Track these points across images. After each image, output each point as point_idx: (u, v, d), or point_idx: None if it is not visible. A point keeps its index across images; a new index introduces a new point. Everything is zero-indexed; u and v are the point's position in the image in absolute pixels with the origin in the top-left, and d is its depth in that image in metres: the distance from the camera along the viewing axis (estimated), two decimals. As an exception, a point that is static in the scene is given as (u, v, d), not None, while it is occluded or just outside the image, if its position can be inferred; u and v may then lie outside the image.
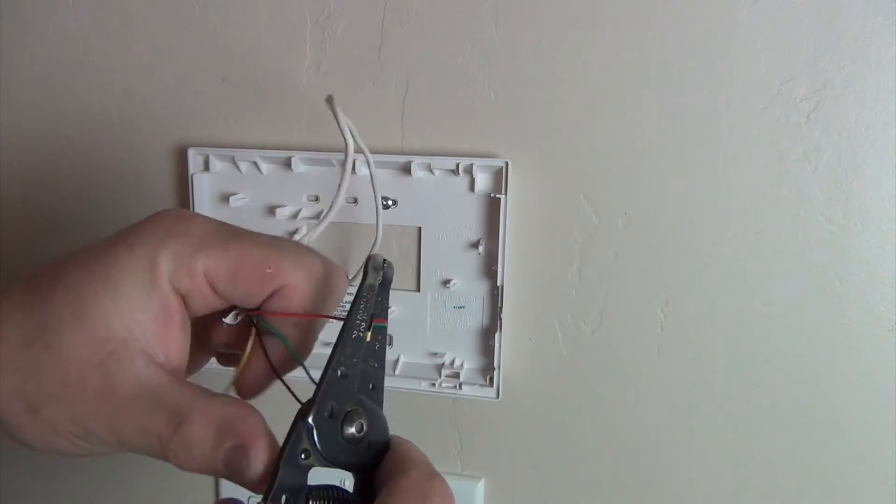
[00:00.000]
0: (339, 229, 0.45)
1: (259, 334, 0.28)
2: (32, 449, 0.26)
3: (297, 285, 0.28)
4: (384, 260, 0.30)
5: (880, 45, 0.37)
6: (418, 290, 0.45)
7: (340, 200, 0.37)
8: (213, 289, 0.27)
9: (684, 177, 0.41)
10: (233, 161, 0.45)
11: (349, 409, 0.27)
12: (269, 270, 0.27)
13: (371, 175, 0.40)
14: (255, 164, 0.44)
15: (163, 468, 0.53)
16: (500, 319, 0.43)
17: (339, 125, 0.36)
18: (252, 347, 0.29)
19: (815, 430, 0.42)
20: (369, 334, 0.29)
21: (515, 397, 0.45)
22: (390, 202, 0.44)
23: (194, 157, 0.45)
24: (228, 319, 0.29)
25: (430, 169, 0.43)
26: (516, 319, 0.44)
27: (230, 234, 0.28)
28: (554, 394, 0.45)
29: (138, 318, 0.25)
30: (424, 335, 0.45)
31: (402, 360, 0.46)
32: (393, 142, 0.43)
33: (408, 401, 0.47)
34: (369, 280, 0.29)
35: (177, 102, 0.46)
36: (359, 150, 0.38)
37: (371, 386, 0.29)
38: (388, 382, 0.45)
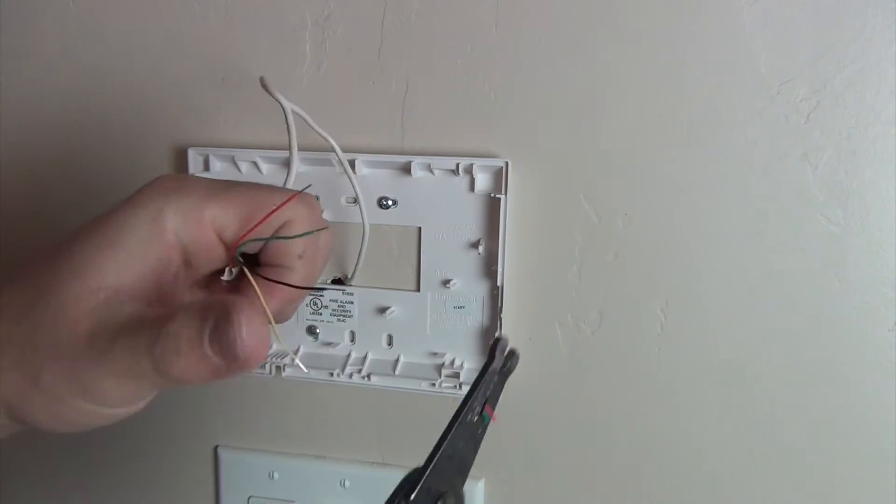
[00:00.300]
0: (338, 229, 0.45)
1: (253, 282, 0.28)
2: (42, 429, 0.25)
3: (300, 218, 0.28)
4: (513, 350, 0.29)
5: (880, 45, 0.37)
6: (418, 290, 0.45)
7: (295, 161, 0.40)
8: (221, 238, 0.27)
9: (684, 177, 0.41)
10: (233, 161, 0.45)
11: (444, 490, 0.27)
12: (274, 206, 0.27)
13: (347, 168, 0.40)
14: (255, 164, 0.44)
15: (162, 468, 0.53)
16: (500, 319, 0.43)
17: (279, 102, 0.38)
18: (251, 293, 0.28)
19: (815, 429, 0.42)
20: (478, 418, 0.28)
21: (515, 398, 0.45)
22: (390, 202, 0.44)
23: (194, 157, 0.45)
24: (225, 276, 0.29)
25: (430, 169, 0.43)
26: (516, 319, 0.44)
27: (229, 184, 0.28)
28: (554, 394, 0.45)
29: (135, 268, 0.25)
30: (424, 335, 0.45)
31: (402, 360, 0.46)
32: (393, 142, 0.43)
33: (408, 401, 0.47)
34: (494, 364, 0.29)
35: (177, 102, 0.45)
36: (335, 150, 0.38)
37: (463, 469, 0.28)
38: (388, 382, 0.45)
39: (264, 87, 0.38)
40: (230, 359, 0.23)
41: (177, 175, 0.28)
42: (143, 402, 0.26)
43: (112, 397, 0.25)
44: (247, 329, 0.23)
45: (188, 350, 0.23)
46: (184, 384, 0.24)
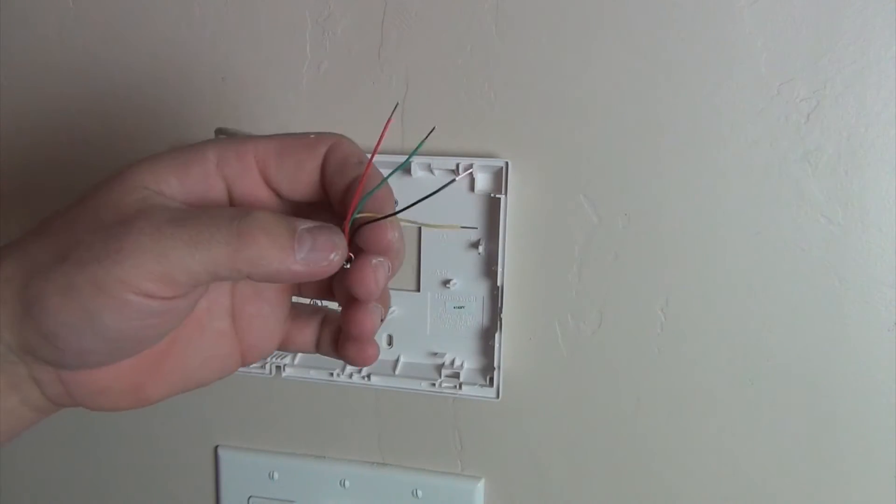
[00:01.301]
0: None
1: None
2: (82, 362, 0.24)
3: (341, 142, 0.27)
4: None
5: (880, 45, 0.37)
6: (418, 290, 0.45)
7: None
8: (264, 173, 0.26)
9: (684, 177, 0.41)
10: (233, 161, 0.44)
11: None
12: (313, 136, 0.27)
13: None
14: (255, 164, 0.44)
15: (162, 468, 0.53)
16: (500, 319, 0.43)
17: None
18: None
19: (815, 430, 0.42)
20: None
21: (515, 397, 0.45)
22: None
23: (194, 157, 0.45)
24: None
25: (430, 169, 0.43)
26: (516, 319, 0.44)
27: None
28: (554, 394, 0.45)
29: (173, 183, 0.24)
30: (424, 335, 0.45)
31: (402, 360, 0.46)
32: (393, 142, 0.43)
33: (408, 401, 0.47)
34: None
35: (177, 102, 0.45)
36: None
37: None
38: (388, 382, 0.45)
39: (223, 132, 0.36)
40: (314, 259, 0.23)
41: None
42: (181, 299, 0.23)
43: (161, 272, 0.22)
44: (341, 238, 0.24)
45: (277, 232, 0.23)
46: (251, 272, 0.23)
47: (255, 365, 0.47)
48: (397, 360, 0.46)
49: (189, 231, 0.22)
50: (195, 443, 0.51)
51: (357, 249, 0.26)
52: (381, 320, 0.28)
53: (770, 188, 0.40)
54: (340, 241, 0.25)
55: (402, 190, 0.43)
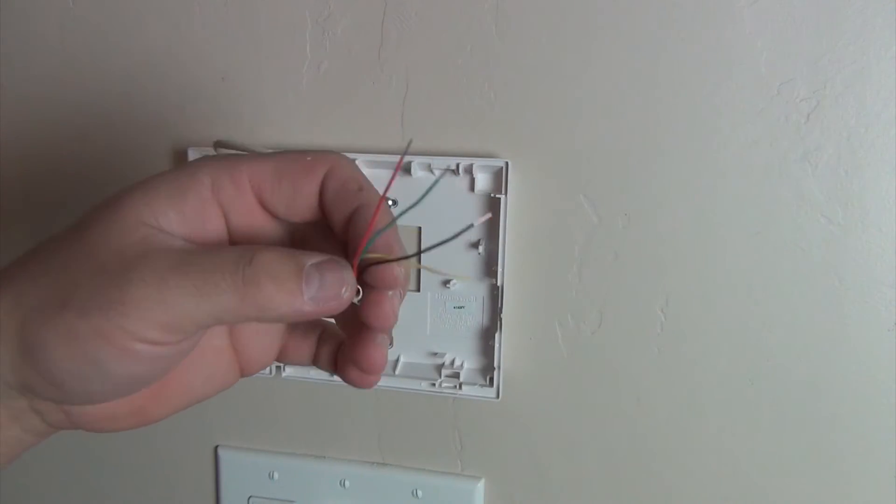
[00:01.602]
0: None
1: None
2: (87, 400, 0.23)
3: (339, 165, 0.26)
4: None
5: (880, 45, 0.37)
6: (418, 290, 0.45)
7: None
8: (260, 196, 0.25)
9: (684, 177, 0.41)
10: (233, 161, 0.44)
11: None
12: (309, 158, 0.26)
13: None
14: (255, 164, 0.44)
15: (162, 468, 0.53)
16: (500, 319, 0.43)
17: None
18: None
19: (815, 430, 0.42)
20: None
21: (515, 397, 0.45)
22: (390, 202, 0.44)
23: (194, 157, 0.45)
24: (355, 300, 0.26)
25: (430, 169, 0.43)
26: (516, 319, 0.44)
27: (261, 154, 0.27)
28: (554, 394, 0.45)
29: (171, 216, 0.23)
30: (424, 335, 0.45)
31: (402, 360, 0.46)
32: (393, 142, 0.43)
33: (408, 401, 0.47)
34: None
35: (177, 102, 0.46)
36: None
37: None
38: (388, 382, 0.45)
39: None
40: (323, 297, 0.23)
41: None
42: (186, 340, 0.23)
43: (167, 321, 0.22)
44: (349, 273, 0.24)
45: (284, 276, 0.22)
46: (259, 317, 0.23)
47: (255, 365, 0.47)
48: (397, 360, 0.46)
49: (193, 280, 0.22)
50: (195, 443, 0.51)
51: (363, 281, 0.26)
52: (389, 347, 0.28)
53: (770, 188, 0.40)
54: (349, 277, 0.24)
55: (402, 190, 0.43)
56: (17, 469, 0.54)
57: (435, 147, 0.43)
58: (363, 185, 0.26)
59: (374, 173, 0.43)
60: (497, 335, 0.43)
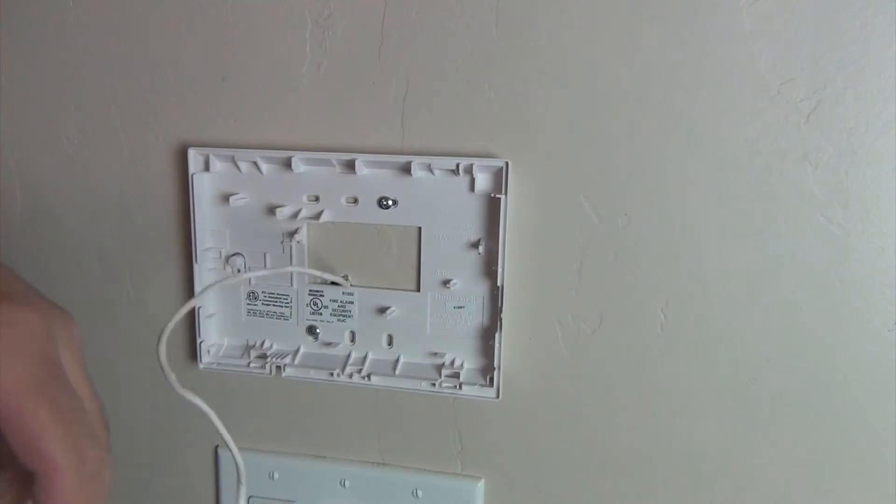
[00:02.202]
0: (340, 229, 0.45)
1: None
2: None
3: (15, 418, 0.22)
4: None
5: (880, 45, 0.37)
6: (418, 290, 0.45)
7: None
8: None
9: (684, 177, 0.41)
10: (233, 161, 0.45)
11: None
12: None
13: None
14: (255, 164, 0.44)
15: (162, 468, 0.53)
16: (500, 319, 0.43)
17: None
18: None
19: (815, 430, 0.42)
20: None
21: (515, 397, 0.45)
22: (390, 202, 0.44)
23: (194, 157, 0.45)
24: None
25: (430, 169, 0.43)
26: (516, 319, 0.44)
27: None
28: (554, 394, 0.45)
29: None
30: (424, 335, 0.45)
31: (402, 360, 0.46)
32: (393, 142, 0.43)
33: (408, 401, 0.47)
34: None
35: (177, 102, 0.46)
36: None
37: None
38: (388, 382, 0.45)
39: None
40: None
41: None
42: None
43: None
44: None
45: None
46: None
47: (255, 365, 0.47)
48: (397, 360, 0.46)
49: None
50: (195, 443, 0.51)
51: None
52: None
53: (770, 188, 0.40)
54: None
55: (402, 190, 0.43)
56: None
57: (435, 147, 0.43)
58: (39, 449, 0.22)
59: (374, 173, 0.44)
60: (497, 335, 0.43)
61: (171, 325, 0.36)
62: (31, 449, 0.22)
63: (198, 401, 0.31)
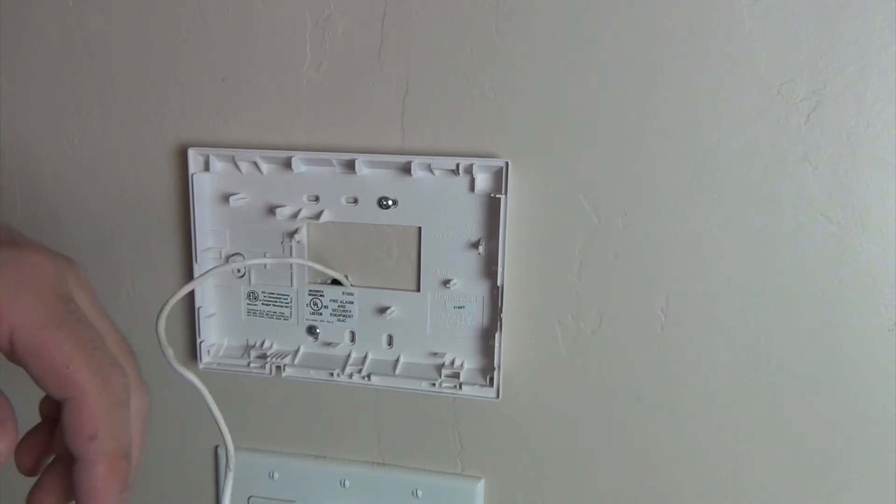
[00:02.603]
0: (340, 229, 0.45)
1: None
2: None
3: (28, 328, 0.23)
4: None
5: (880, 45, 0.37)
6: (418, 290, 0.45)
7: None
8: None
9: (684, 177, 0.41)
10: (233, 161, 0.45)
11: None
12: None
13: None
14: (255, 164, 0.44)
15: (162, 468, 0.53)
16: (500, 319, 0.43)
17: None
18: None
19: (816, 430, 0.42)
20: None
21: (515, 397, 0.45)
22: (390, 202, 0.44)
23: (194, 157, 0.45)
24: None
25: (430, 169, 0.43)
26: (516, 319, 0.44)
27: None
28: (554, 394, 0.45)
29: None
30: (424, 335, 0.45)
31: (402, 360, 0.46)
32: (393, 142, 0.43)
33: (408, 401, 0.47)
34: None
35: (177, 102, 0.46)
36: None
37: None
38: (388, 382, 0.45)
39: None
40: None
41: None
42: None
43: None
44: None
45: None
46: None
47: (254, 365, 0.47)
48: (397, 360, 0.46)
49: None
50: (195, 443, 0.51)
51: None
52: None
53: (770, 188, 0.40)
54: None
55: (402, 190, 0.43)
56: (16, 469, 0.54)
57: (435, 147, 0.43)
58: (71, 378, 0.23)
59: (374, 173, 0.43)
60: (497, 335, 0.43)
61: (172, 301, 0.36)
62: (58, 378, 0.23)
63: (190, 376, 0.32)
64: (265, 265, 0.46)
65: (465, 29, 0.41)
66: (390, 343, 0.46)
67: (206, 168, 0.45)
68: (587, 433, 0.45)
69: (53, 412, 0.27)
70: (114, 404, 0.24)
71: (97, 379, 0.24)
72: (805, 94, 0.38)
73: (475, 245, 0.43)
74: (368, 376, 0.45)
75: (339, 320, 0.46)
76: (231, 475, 0.34)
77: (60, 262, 0.26)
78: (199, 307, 0.46)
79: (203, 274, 0.42)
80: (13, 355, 0.23)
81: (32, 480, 0.29)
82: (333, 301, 0.46)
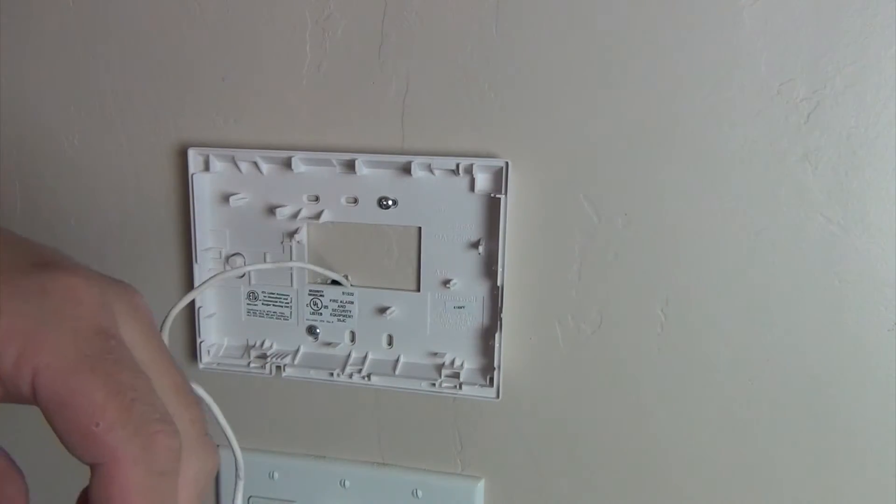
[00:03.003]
0: (340, 229, 0.45)
1: None
2: None
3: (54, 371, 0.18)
4: None
5: (880, 45, 0.37)
6: (418, 290, 0.45)
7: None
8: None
9: (684, 177, 0.41)
10: (233, 161, 0.45)
11: None
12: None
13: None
14: (255, 164, 0.44)
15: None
16: (500, 319, 0.43)
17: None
18: None
19: (816, 429, 0.42)
20: None
21: (515, 397, 0.45)
22: (390, 202, 0.44)
23: (194, 157, 0.45)
24: None
25: (430, 169, 0.43)
26: (516, 319, 0.44)
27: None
28: (554, 394, 0.45)
29: None
30: (424, 335, 0.45)
31: (402, 360, 0.46)
32: (393, 142, 0.43)
33: (408, 401, 0.47)
34: None
35: (177, 102, 0.46)
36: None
37: None
38: (388, 382, 0.45)
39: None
40: None
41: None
42: None
43: None
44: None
45: None
46: None
47: (255, 365, 0.47)
48: (397, 360, 0.46)
49: None
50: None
51: None
52: None
53: (770, 188, 0.40)
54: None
55: (402, 190, 0.43)
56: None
57: (435, 147, 0.43)
58: (109, 423, 0.18)
59: (374, 173, 0.44)
60: (497, 335, 0.43)
61: (174, 312, 0.36)
62: (85, 439, 0.18)
63: (198, 389, 0.30)
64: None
65: (465, 29, 0.41)
66: (390, 343, 0.46)
67: (206, 168, 0.45)
68: (587, 433, 0.45)
69: None
70: (155, 475, 0.19)
71: (136, 441, 0.18)
72: (805, 94, 0.38)
73: (475, 245, 0.43)
74: (368, 376, 0.45)
75: (339, 320, 0.46)
76: (241, 484, 0.33)
77: (107, 288, 0.21)
78: (199, 307, 0.46)
79: (204, 282, 0.42)
80: (38, 403, 0.19)
81: (32, 479, 0.28)
82: (333, 301, 0.46)
